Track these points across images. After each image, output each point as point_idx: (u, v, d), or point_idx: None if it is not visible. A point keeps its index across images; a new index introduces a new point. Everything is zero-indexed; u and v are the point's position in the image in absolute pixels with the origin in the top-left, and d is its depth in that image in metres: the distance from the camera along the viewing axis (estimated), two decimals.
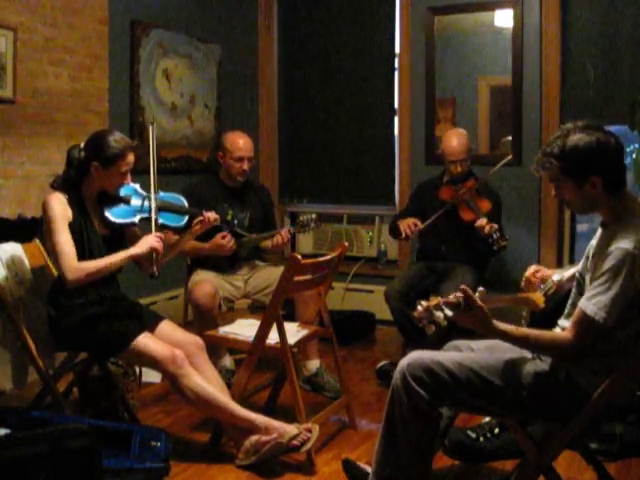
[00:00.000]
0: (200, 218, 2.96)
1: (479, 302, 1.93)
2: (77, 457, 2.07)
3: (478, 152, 4.67)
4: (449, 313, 1.89)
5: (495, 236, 3.51)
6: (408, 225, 3.78)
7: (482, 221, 3.57)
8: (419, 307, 1.91)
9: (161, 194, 2.91)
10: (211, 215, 2.99)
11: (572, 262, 4.26)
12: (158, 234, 2.75)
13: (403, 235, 3.79)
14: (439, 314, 1.88)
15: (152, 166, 2.87)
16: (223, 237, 3.45)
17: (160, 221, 2.83)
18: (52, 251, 2.65)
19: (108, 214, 2.76)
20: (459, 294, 1.93)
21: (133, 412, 3.01)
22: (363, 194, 5.17)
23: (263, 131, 5.38)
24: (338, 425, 3.11)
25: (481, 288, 2.01)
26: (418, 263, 4.03)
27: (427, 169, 4.69)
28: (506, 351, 2.19)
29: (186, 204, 3.00)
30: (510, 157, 3.79)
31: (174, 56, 4.59)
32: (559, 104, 4.43)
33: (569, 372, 2.04)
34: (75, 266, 2.59)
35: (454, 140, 3.85)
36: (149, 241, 2.71)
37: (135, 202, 2.84)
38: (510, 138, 4.63)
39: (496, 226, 3.55)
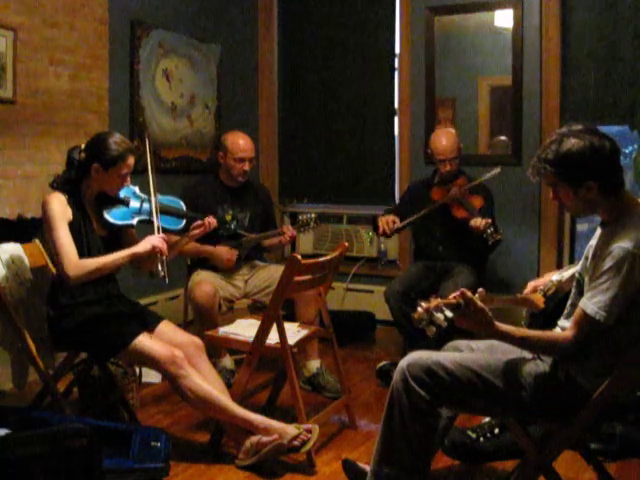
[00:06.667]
0: (198, 222, 2.96)
1: (479, 303, 1.92)
2: (77, 457, 2.07)
3: (478, 152, 4.67)
4: (449, 314, 1.87)
5: (489, 231, 3.50)
6: (386, 222, 3.80)
7: (476, 220, 3.56)
8: (419, 309, 1.89)
9: (159, 197, 2.90)
10: (210, 220, 2.99)
11: (572, 262, 4.25)
12: (162, 235, 2.75)
13: (380, 231, 3.81)
14: (439, 315, 1.86)
15: (151, 173, 2.86)
16: (231, 254, 3.49)
17: (158, 224, 2.83)
18: (52, 249, 2.64)
19: (107, 215, 2.76)
20: (459, 295, 1.92)
21: (133, 412, 3.01)
22: (363, 194, 5.16)
23: (263, 131, 5.37)
24: (338, 425, 3.11)
25: (480, 289, 2.01)
26: (418, 263, 4.02)
27: (427, 169, 4.67)
28: (506, 351, 2.19)
29: (184, 207, 3.00)
30: (499, 170, 3.75)
31: (174, 56, 4.58)
32: (559, 104, 4.43)
33: (569, 372, 2.04)
34: (76, 263, 2.59)
35: (442, 139, 3.88)
36: (152, 240, 2.71)
37: (134, 204, 2.84)
38: (503, 138, 4.60)
39: (490, 221, 3.54)
